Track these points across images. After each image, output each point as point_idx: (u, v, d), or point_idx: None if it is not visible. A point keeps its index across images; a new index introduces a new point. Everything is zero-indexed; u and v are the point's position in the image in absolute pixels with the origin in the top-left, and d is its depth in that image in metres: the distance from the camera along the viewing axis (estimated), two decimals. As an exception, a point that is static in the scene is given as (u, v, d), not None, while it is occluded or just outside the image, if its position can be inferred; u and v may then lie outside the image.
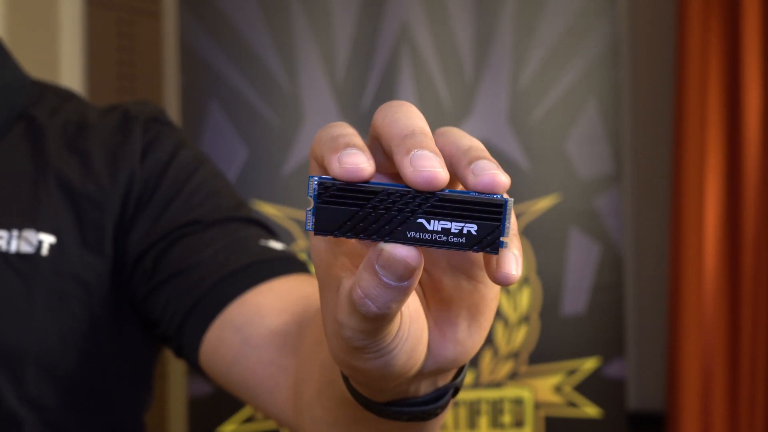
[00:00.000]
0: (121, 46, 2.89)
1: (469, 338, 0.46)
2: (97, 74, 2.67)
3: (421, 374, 0.47)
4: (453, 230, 0.38)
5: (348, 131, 0.42)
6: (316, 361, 0.60)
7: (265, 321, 0.72)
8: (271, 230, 0.83)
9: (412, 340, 0.43)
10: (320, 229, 0.39)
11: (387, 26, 1.99)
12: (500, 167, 0.40)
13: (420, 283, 0.46)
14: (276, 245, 0.79)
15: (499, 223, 0.38)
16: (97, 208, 0.81)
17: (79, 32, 2.49)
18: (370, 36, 1.99)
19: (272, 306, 0.73)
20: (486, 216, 0.38)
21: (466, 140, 0.41)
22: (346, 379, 0.50)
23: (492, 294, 0.45)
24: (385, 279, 0.39)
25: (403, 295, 0.39)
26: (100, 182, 0.82)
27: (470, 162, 0.40)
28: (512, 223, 0.41)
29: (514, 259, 0.40)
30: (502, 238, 0.39)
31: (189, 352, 0.77)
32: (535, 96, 2.05)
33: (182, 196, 0.82)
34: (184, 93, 2.03)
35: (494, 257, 0.40)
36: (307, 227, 0.40)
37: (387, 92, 1.99)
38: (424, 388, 0.48)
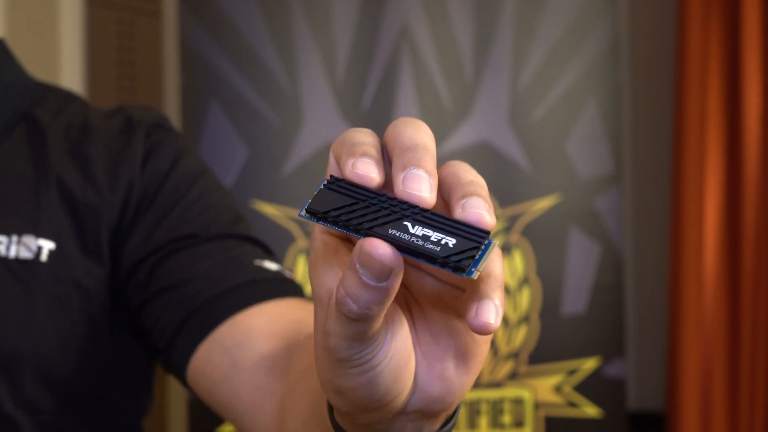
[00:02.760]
0: (121, 46, 2.89)
1: (457, 378, 0.46)
2: (97, 74, 2.67)
3: (406, 412, 0.46)
4: (432, 238, 0.39)
5: (368, 140, 0.43)
6: (304, 389, 0.59)
7: (255, 344, 0.71)
8: (267, 248, 0.83)
9: (397, 360, 0.44)
10: (311, 211, 0.41)
11: (387, 26, 1.99)
12: (492, 208, 0.41)
13: (411, 312, 0.47)
14: (271, 265, 0.79)
15: (478, 245, 0.39)
16: (94, 214, 0.81)
17: (80, 32, 2.49)
18: (370, 36, 1.99)
19: (263, 329, 0.73)
20: (468, 237, 0.39)
21: (469, 174, 0.42)
22: (330, 413, 0.50)
23: (482, 338, 0.46)
24: (364, 278, 0.40)
25: (382, 296, 0.40)
26: (100, 188, 0.82)
27: (465, 196, 0.41)
28: (498, 273, 0.42)
29: (494, 309, 0.41)
30: (473, 268, 0.39)
31: (177, 368, 0.77)
32: (535, 96, 2.05)
33: (180, 207, 0.82)
34: (184, 93, 2.03)
35: (475, 306, 0.41)
36: (300, 213, 0.41)
37: (387, 92, 1.99)
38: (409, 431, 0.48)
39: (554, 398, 2.06)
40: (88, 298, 0.80)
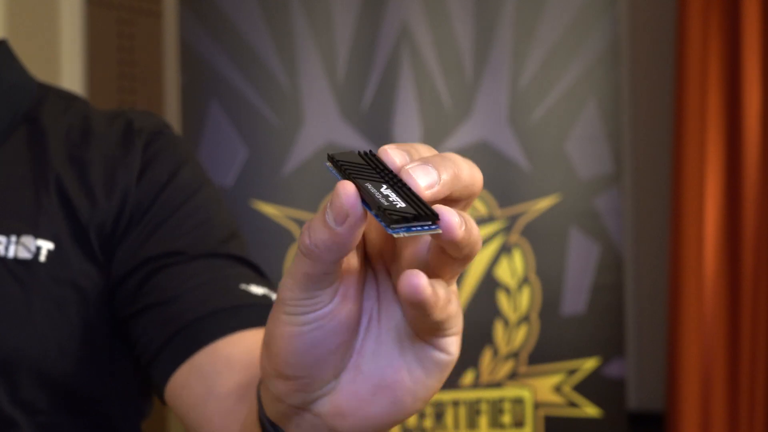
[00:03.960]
0: (121, 46, 2.89)
1: (368, 407, 0.47)
2: (97, 74, 2.67)
3: (312, 410, 0.47)
4: (391, 198, 0.42)
5: (426, 153, 0.45)
6: None
7: (233, 373, 0.72)
8: (257, 268, 0.82)
9: (324, 335, 0.45)
10: (330, 157, 0.45)
11: (387, 26, 1.99)
12: (470, 233, 0.42)
13: (369, 323, 0.48)
14: (257, 290, 0.79)
15: (418, 216, 0.41)
16: (88, 220, 0.81)
17: (80, 32, 2.49)
18: (370, 36, 1.99)
19: (241, 359, 0.73)
20: (417, 209, 0.41)
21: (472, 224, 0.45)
22: (258, 392, 0.52)
23: (411, 394, 0.46)
24: (327, 216, 0.42)
25: (332, 240, 0.42)
26: (95, 195, 0.81)
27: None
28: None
29: (425, 279, 0.42)
30: (399, 229, 0.41)
31: (156, 386, 0.78)
32: (535, 96, 2.05)
33: (172, 221, 0.81)
34: (184, 93, 2.03)
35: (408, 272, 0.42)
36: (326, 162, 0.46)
37: (387, 92, 1.99)
38: None
39: (554, 398, 2.06)
40: (85, 300, 0.80)
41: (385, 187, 0.42)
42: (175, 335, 0.76)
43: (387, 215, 0.41)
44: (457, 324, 0.45)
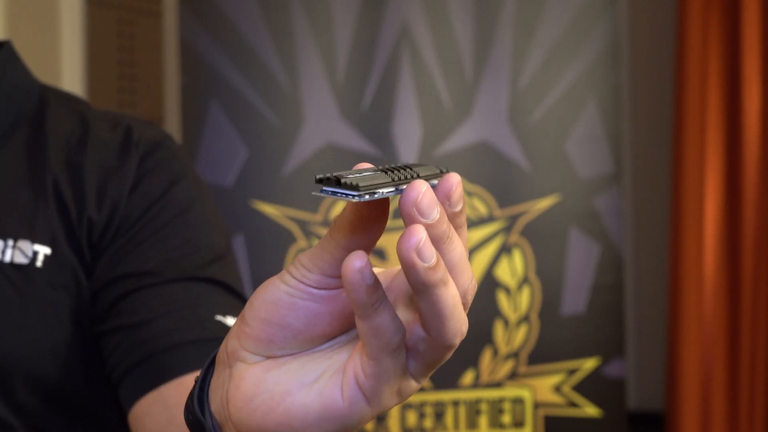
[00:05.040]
0: (121, 46, 2.89)
1: (252, 398, 0.47)
2: (97, 74, 2.67)
3: (232, 366, 0.48)
4: (360, 173, 0.43)
5: (459, 219, 0.46)
6: None
7: None
8: (237, 292, 0.82)
9: (288, 304, 0.46)
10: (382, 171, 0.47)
11: (387, 26, 1.99)
12: (426, 246, 0.42)
13: (319, 348, 0.48)
14: (233, 322, 0.78)
15: (343, 182, 0.42)
16: (80, 226, 0.81)
17: (80, 32, 2.49)
18: (370, 36, 1.99)
19: None
20: (356, 182, 0.42)
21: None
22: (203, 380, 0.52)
23: (292, 413, 0.46)
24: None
25: (343, 215, 0.45)
26: (86, 203, 0.81)
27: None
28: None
29: (365, 261, 0.42)
30: (325, 194, 0.42)
31: (123, 405, 0.78)
32: (535, 96, 2.05)
33: (156, 237, 0.81)
34: (184, 93, 2.03)
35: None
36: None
37: (387, 92, 1.99)
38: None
39: (554, 398, 2.06)
40: (79, 304, 0.80)
41: (379, 172, 0.43)
42: (144, 362, 0.76)
43: (324, 177, 0.42)
44: (377, 391, 0.45)
